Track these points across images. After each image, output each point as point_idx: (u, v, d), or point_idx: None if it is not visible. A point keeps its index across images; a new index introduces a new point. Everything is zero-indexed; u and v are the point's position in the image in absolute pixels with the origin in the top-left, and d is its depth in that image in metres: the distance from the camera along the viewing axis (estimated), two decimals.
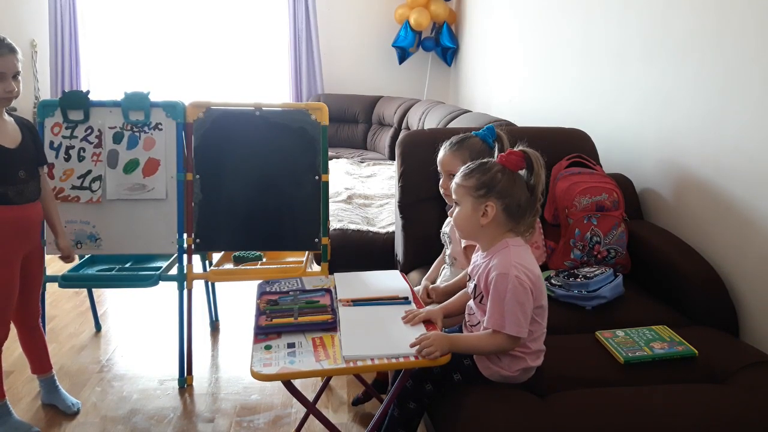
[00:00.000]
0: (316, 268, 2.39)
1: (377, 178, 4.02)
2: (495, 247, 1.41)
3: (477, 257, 1.49)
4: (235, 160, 2.21)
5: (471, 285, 1.48)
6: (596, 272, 1.90)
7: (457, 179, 1.46)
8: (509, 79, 4.24)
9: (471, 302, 1.51)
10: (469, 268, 1.51)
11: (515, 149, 1.42)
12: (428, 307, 1.58)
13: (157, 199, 2.20)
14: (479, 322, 1.44)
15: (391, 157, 4.87)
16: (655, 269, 2.01)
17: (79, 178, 2.18)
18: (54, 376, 2.11)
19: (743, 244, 1.88)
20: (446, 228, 1.89)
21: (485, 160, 1.46)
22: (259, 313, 1.54)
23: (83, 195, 2.18)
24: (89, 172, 2.18)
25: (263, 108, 2.21)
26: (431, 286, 1.82)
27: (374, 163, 4.63)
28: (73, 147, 2.18)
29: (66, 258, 2.07)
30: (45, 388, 2.09)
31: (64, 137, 2.18)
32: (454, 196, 1.47)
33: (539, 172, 1.39)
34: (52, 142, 2.17)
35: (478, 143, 1.73)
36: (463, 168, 1.46)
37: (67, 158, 2.18)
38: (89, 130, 2.19)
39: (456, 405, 1.41)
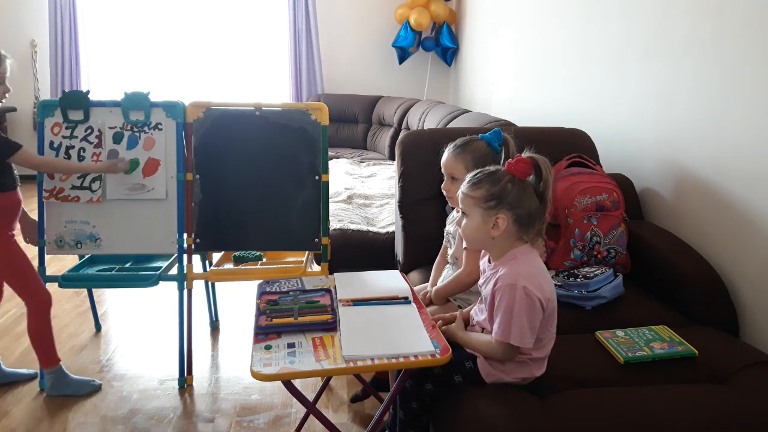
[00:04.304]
0: (316, 268, 2.39)
1: (377, 178, 4.02)
2: (504, 258, 1.40)
3: (484, 266, 1.49)
4: (235, 160, 2.20)
5: (483, 291, 1.47)
6: (596, 272, 1.90)
7: (464, 189, 1.41)
8: (509, 79, 4.24)
9: (475, 312, 1.51)
10: (480, 280, 1.50)
11: (523, 156, 1.38)
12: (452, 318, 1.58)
13: (157, 199, 2.20)
14: (483, 330, 1.45)
15: (391, 157, 4.87)
16: (655, 269, 2.01)
17: (79, 178, 2.18)
18: None
19: (743, 244, 1.88)
20: (450, 227, 1.89)
21: (493, 168, 1.41)
22: (259, 313, 1.54)
23: (83, 195, 2.18)
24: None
25: (263, 108, 2.21)
26: (432, 290, 1.82)
27: (374, 163, 4.63)
28: (73, 147, 2.18)
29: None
30: None
31: (64, 137, 2.18)
32: (461, 206, 1.43)
33: (548, 179, 1.36)
34: (52, 142, 2.17)
35: (482, 147, 1.72)
36: (469, 176, 1.42)
37: (67, 158, 2.17)
38: (89, 130, 2.19)
39: (456, 405, 1.41)
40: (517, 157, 1.38)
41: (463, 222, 1.43)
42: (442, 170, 1.77)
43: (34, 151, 2.14)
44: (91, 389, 2.16)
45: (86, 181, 2.18)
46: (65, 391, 2.12)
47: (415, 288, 1.79)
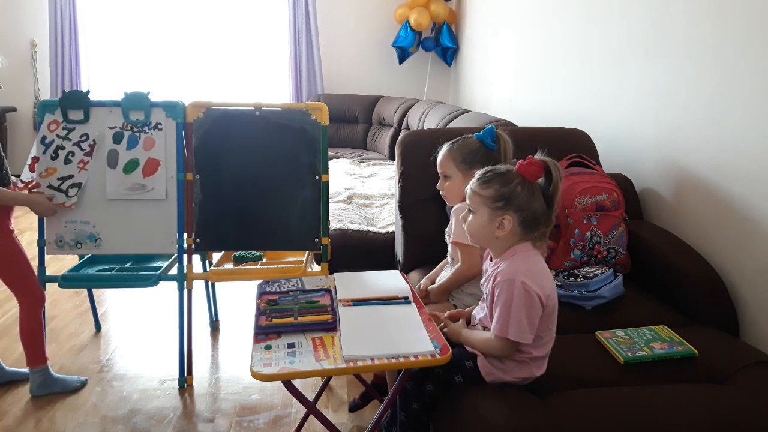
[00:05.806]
0: (316, 268, 2.39)
1: (377, 178, 4.02)
2: (505, 254, 1.40)
3: (486, 266, 1.49)
4: (235, 160, 2.20)
5: (485, 290, 1.47)
6: (596, 272, 1.90)
7: (473, 186, 1.41)
8: (509, 79, 4.24)
9: (477, 311, 1.51)
10: (482, 279, 1.50)
11: (535, 158, 1.37)
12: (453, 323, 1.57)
13: (157, 199, 2.20)
14: (485, 328, 1.44)
15: (391, 157, 4.87)
16: (655, 269, 2.01)
17: (58, 179, 2.15)
18: None
19: (743, 243, 1.88)
20: (449, 228, 1.89)
21: (504, 168, 1.40)
22: (259, 313, 1.54)
23: (58, 197, 2.15)
24: (70, 176, 2.15)
25: (263, 108, 2.21)
26: (429, 287, 1.82)
27: (374, 163, 4.63)
28: (63, 148, 2.16)
29: None
30: None
31: (58, 136, 2.16)
32: (468, 202, 1.43)
33: (558, 183, 1.35)
34: (44, 137, 2.16)
35: (472, 143, 1.73)
36: (479, 174, 1.42)
37: (54, 157, 2.15)
38: (84, 137, 2.17)
39: (456, 405, 1.41)
40: (529, 159, 1.37)
41: (469, 218, 1.43)
42: (438, 170, 1.79)
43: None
44: (79, 384, 2.19)
45: (64, 184, 2.15)
46: (53, 389, 2.14)
47: (415, 288, 1.79)
